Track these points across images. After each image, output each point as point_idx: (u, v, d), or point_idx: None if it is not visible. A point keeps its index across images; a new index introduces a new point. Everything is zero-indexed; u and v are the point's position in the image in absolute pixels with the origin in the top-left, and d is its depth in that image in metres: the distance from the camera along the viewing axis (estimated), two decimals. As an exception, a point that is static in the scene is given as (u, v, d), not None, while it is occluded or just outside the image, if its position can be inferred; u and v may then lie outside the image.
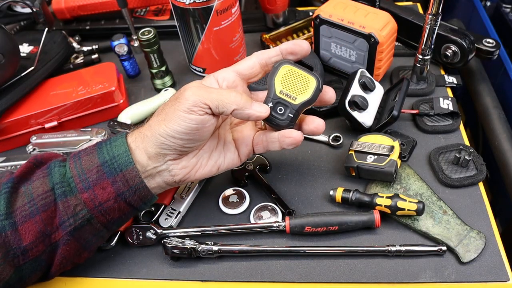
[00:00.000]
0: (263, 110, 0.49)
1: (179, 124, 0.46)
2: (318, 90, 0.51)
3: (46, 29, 0.76)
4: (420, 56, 0.67)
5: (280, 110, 0.51)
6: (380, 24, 0.65)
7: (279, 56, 0.52)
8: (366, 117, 0.63)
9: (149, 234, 0.55)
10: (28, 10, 0.88)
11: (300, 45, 0.52)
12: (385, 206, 0.54)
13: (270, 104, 0.51)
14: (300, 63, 0.53)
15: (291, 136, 0.51)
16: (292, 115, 0.51)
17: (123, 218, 0.50)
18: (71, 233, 0.47)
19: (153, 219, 0.57)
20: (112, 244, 0.55)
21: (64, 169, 0.49)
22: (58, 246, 0.48)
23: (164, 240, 0.53)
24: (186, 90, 0.47)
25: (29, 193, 0.47)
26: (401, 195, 0.54)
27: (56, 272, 0.50)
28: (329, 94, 0.54)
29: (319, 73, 0.70)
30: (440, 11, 0.60)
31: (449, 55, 0.70)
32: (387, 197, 0.54)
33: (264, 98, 0.51)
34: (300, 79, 0.51)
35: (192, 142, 0.48)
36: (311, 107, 0.66)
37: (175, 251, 0.53)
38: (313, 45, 0.75)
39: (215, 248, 0.53)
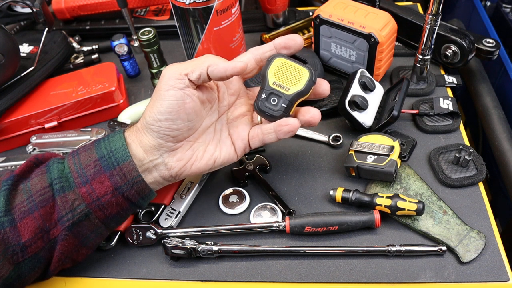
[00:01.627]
0: (239, 62, 0.49)
1: (161, 104, 0.47)
2: (311, 82, 0.52)
3: (46, 29, 0.76)
4: (420, 56, 0.67)
5: (274, 100, 0.52)
6: (380, 24, 0.65)
7: (273, 51, 0.53)
8: (366, 117, 0.63)
9: (149, 234, 0.55)
10: (28, 10, 0.88)
11: (294, 39, 0.53)
12: (385, 206, 0.54)
13: (264, 95, 0.52)
14: (295, 57, 0.54)
15: (288, 123, 0.51)
16: (285, 105, 0.52)
17: (121, 213, 0.50)
18: (69, 229, 0.47)
19: (153, 219, 0.57)
20: (112, 244, 0.55)
21: (63, 165, 0.49)
22: (56, 243, 0.48)
23: (164, 240, 0.53)
24: (165, 69, 0.49)
25: (27, 190, 0.48)
26: (401, 195, 0.54)
27: (55, 270, 0.50)
28: (323, 86, 0.54)
29: (318, 73, 0.70)
30: (440, 11, 0.60)
31: (449, 55, 0.70)
32: (387, 197, 0.54)
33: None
34: (293, 71, 0.52)
35: (178, 123, 0.48)
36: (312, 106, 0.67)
37: (175, 251, 0.53)
38: (313, 45, 0.75)
39: (215, 248, 0.53)
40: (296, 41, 0.52)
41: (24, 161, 0.52)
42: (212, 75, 0.48)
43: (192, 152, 0.51)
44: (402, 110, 0.62)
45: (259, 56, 0.53)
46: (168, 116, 0.48)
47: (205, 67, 0.48)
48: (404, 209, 0.53)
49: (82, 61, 0.85)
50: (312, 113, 0.53)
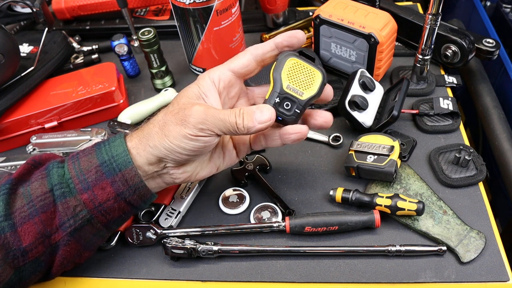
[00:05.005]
0: (267, 116, 0.47)
1: (186, 143, 0.46)
2: (323, 85, 0.51)
3: (46, 29, 0.76)
4: (420, 56, 0.67)
5: (287, 105, 0.50)
6: (380, 24, 0.65)
7: (275, 51, 0.51)
8: (366, 117, 0.63)
9: (149, 234, 0.55)
10: (28, 10, 0.88)
11: (296, 36, 0.50)
12: (385, 206, 0.54)
13: (277, 100, 0.49)
14: (302, 53, 0.52)
15: (297, 131, 0.50)
16: (298, 111, 0.50)
17: (123, 217, 0.50)
18: (71, 234, 0.47)
19: (153, 219, 0.57)
20: (112, 244, 0.55)
21: (63, 170, 0.48)
22: (58, 247, 0.48)
23: (164, 240, 0.53)
24: (191, 116, 0.46)
25: (27, 194, 0.47)
26: (401, 195, 0.54)
27: (57, 273, 0.50)
28: (327, 90, 0.54)
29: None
30: (440, 11, 0.60)
31: (449, 55, 0.70)
32: (387, 197, 0.54)
33: (267, 94, 0.50)
34: (306, 73, 0.50)
35: (197, 156, 0.49)
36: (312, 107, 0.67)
37: (175, 251, 0.53)
38: (313, 45, 0.75)
39: (215, 248, 0.53)
40: (298, 38, 0.50)
41: (23, 163, 0.52)
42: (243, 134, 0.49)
43: (197, 164, 0.51)
44: (402, 110, 0.62)
45: (260, 57, 0.51)
46: (190, 153, 0.47)
47: (238, 133, 0.47)
48: (404, 209, 0.53)
49: (82, 61, 0.85)
50: (324, 117, 0.53)
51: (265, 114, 0.47)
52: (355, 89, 0.64)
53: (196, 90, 0.50)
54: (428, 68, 0.69)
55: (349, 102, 0.62)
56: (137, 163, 0.48)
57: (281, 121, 0.51)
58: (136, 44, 0.87)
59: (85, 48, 0.88)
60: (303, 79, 0.50)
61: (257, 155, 0.64)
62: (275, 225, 0.55)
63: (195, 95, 0.49)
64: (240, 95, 0.55)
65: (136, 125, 0.70)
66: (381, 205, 0.54)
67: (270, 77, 0.50)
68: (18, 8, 0.92)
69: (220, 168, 0.54)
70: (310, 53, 0.52)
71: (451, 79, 0.72)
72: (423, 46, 0.65)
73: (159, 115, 0.49)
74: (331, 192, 0.57)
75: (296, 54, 0.51)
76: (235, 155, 0.55)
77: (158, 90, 0.79)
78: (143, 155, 0.48)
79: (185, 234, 0.55)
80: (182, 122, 0.46)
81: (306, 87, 0.50)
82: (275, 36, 0.52)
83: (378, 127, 0.63)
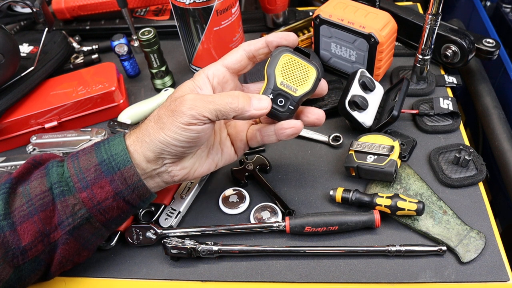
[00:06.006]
0: (265, 105, 0.48)
1: (179, 134, 0.46)
2: (317, 81, 0.51)
3: (46, 29, 0.76)
4: (420, 56, 0.67)
5: (281, 102, 0.50)
6: (380, 24, 0.65)
7: (266, 49, 0.52)
8: (366, 117, 0.63)
9: (149, 234, 0.55)
10: (28, 10, 0.88)
11: (287, 39, 0.51)
12: (385, 206, 0.54)
13: (271, 96, 0.50)
14: (298, 49, 0.52)
15: (291, 126, 0.51)
16: (292, 107, 0.50)
17: (122, 216, 0.50)
18: (70, 233, 0.47)
19: (153, 219, 0.57)
20: (112, 244, 0.55)
21: (62, 169, 0.49)
22: (57, 246, 0.48)
23: (164, 240, 0.53)
24: (182, 104, 0.46)
25: (27, 193, 0.47)
26: (401, 195, 0.54)
27: (56, 272, 0.50)
28: (321, 85, 0.54)
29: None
30: (440, 11, 0.61)
31: (449, 55, 0.70)
32: (387, 197, 0.54)
33: (261, 90, 0.51)
34: (300, 70, 0.50)
35: (192, 148, 0.49)
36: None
37: (175, 251, 0.53)
38: (313, 45, 0.75)
39: (215, 248, 0.53)
40: (289, 40, 0.51)
41: (23, 163, 0.52)
42: (236, 119, 0.49)
43: (195, 160, 0.51)
44: (402, 110, 0.62)
45: (252, 53, 0.52)
46: (185, 144, 0.47)
47: (230, 116, 0.47)
48: (404, 209, 0.53)
49: (82, 61, 0.85)
50: (317, 114, 0.53)
51: (262, 103, 0.48)
52: (355, 89, 0.64)
53: (191, 85, 0.50)
54: (428, 68, 0.69)
55: (349, 102, 0.62)
56: (135, 161, 0.48)
57: (274, 117, 0.51)
58: (136, 44, 0.87)
59: (85, 48, 0.88)
60: (297, 76, 0.50)
61: (257, 155, 0.64)
62: (275, 225, 0.55)
63: (189, 89, 0.50)
64: None
65: (136, 125, 0.70)
66: (381, 205, 0.54)
67: (264, 73, 0.51)
68: (18, 8, 0.92)
69: (218, 165, 0.54)
70: (305, 48, 0.52)
71: (451, 79, 0.72)
72: (423, 46, 0.65)
73: (154, 111, 0.50)
74: (331, 192, 0.57)
75: (291, 50, 0.51)
76: (234, 152, 0.55)
77: (158, 90, 0.79)
78: (140, 152, 0.48)
79: (185, 234, 0.55)
80: (173, 113, 0.46)
81: (300, 83, 0.50)
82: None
83: (378, 127, 0.63)
